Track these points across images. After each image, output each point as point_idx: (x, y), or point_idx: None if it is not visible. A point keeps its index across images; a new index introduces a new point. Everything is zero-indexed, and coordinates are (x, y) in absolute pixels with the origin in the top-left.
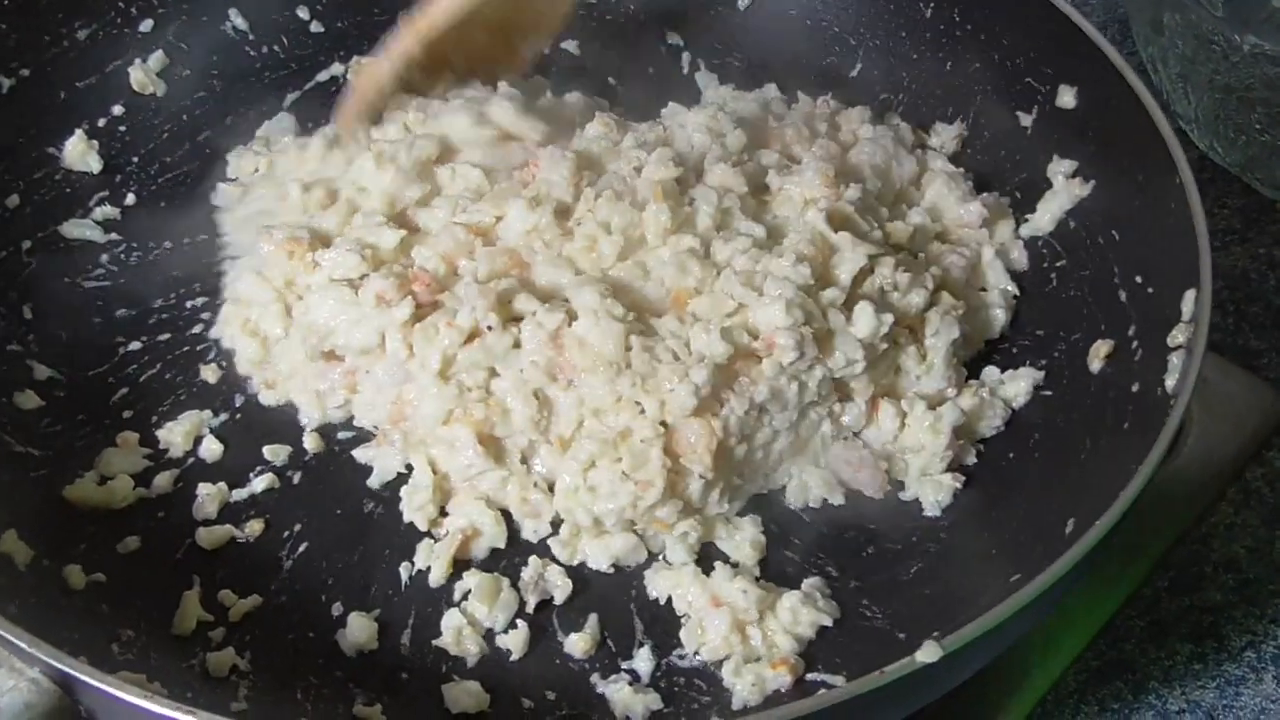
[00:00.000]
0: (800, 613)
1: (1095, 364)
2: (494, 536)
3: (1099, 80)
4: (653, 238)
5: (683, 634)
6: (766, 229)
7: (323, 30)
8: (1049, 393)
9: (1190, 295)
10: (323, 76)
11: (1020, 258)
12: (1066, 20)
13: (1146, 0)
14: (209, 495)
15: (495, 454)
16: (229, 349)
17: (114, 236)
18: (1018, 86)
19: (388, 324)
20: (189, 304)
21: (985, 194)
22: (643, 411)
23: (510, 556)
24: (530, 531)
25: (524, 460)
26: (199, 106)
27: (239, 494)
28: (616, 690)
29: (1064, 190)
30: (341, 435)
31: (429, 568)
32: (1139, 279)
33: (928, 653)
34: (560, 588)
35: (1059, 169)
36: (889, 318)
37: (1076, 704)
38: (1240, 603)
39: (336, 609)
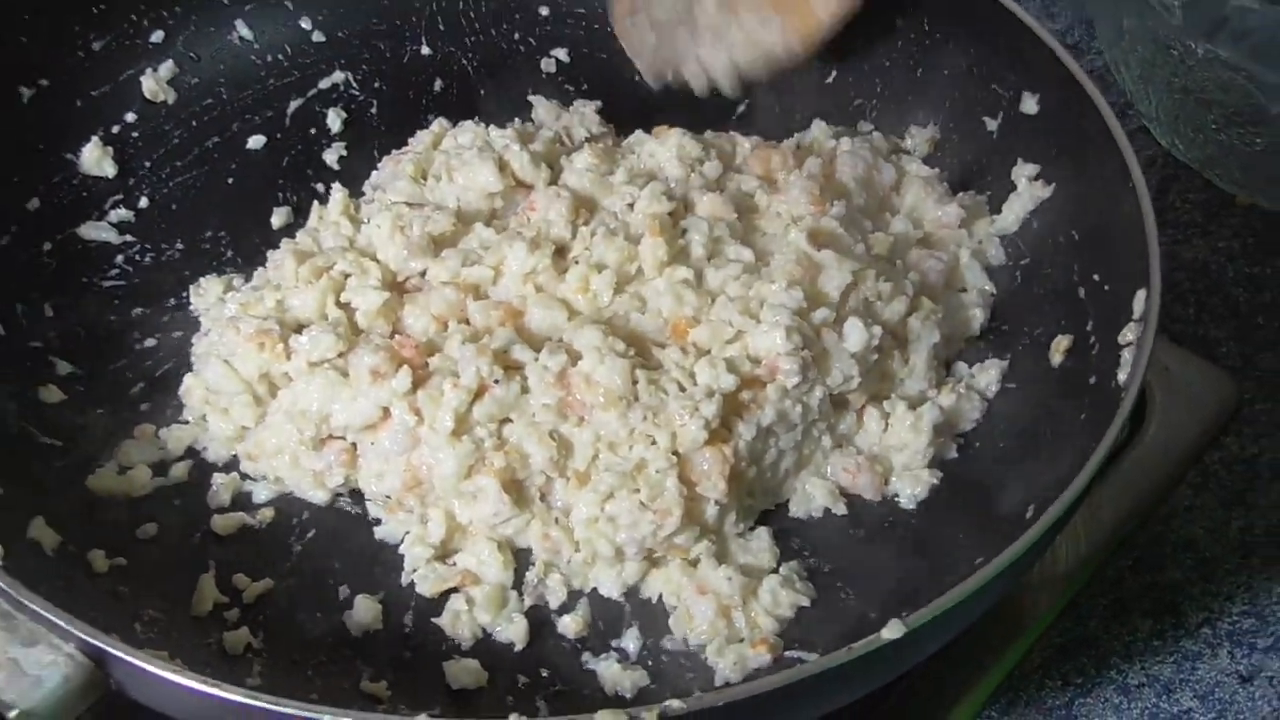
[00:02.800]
0: (780, 595)
1: (1056, 358)
2: (500, 580)
3: (1059, 88)
4: (649, 270)
5: (671, 621)
6: (755, 252)
7: (324, 39)
8: (1013, 385)
9: (1140, 295)
10: (324, 84)
11: (997, 254)
12: (1029, 31)
13: (1109, 6)
14: (223, 484)
15: (518, 498)
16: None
17: (128, 238)
18: (984, 93)
19: (388, 396)
20: None
21: (962, 194)
22: (654, 443)
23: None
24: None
25: (543, 498)
26: (207, 113)
27: (251, 483)
28: (606, 667)
29: (1027, 192)
30: None
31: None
32: (1096, 277)
33: (892, 630)
34: (557, 594)
35: (1023, 172)
36: (877, 330)
37: (1041, 679)
38: (1198, 580)
39: (343, 591)
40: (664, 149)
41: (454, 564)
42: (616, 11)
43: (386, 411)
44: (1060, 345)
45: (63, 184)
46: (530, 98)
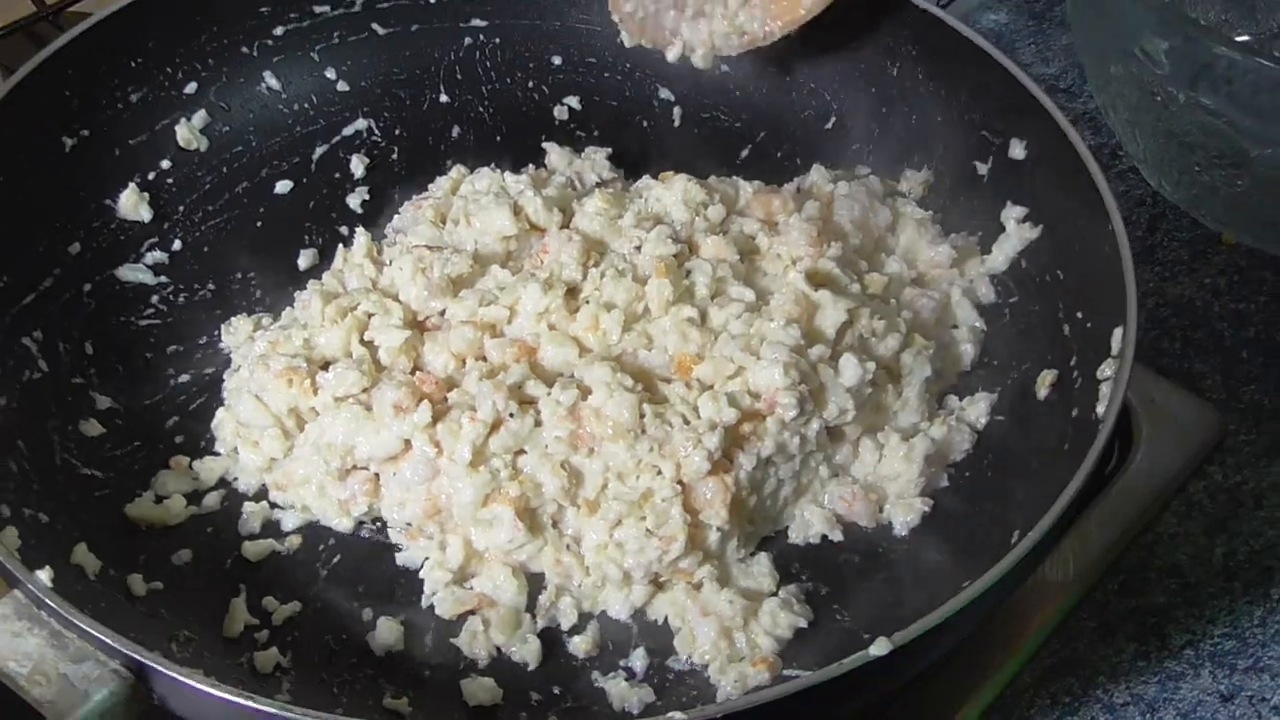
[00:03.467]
0: (779, 617)
1: (1042, 391)
2: (514, 603)
3: (1044, 135)
4: (655, 310)
5: (676, 642)
6: (755, 291)
7: (348, 89)
8: (1001, 417)
9: (1118, 332)
10: (348, 131)
11: (987, 292)
12: (1016, 81)
13: (1097, 54)
14: (253, 513)
15: (532, 526)
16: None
17: (163, 279)
18: (975, 139)
19: (409, 429)
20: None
21: (954, 235)
22: (660, 473)
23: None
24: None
25: (554, 525)
26: (237, 160)
27: (280, 512)
28: (615, 685)
29: (1015, 234)
30: None
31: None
32: (1079, 315)
33: (879, 647)
34: (568, 616)
35: (1011, 214)
36: (871, 365)
37: (1031, 698)
38: (1182, 605)
39: (367, 614)
40: (670, 194)
41: (471, 588)
42: None
43: (408, 444)
44: (1045, 380)
45: (102, 228)
46: (544, 144)
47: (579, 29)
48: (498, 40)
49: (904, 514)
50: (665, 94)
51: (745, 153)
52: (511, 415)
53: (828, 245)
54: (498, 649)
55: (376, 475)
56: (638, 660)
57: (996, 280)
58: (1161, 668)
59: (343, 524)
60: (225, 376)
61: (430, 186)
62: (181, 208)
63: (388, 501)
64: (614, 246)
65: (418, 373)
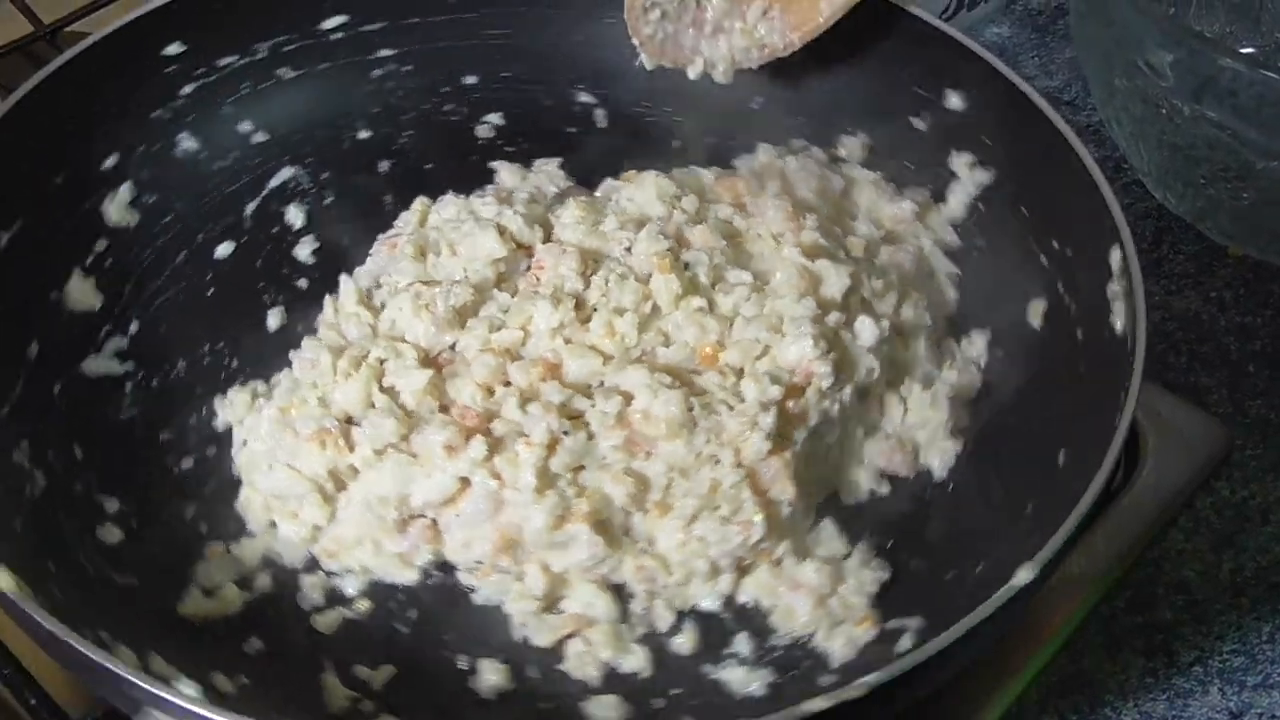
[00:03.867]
0: (863, 575)
1: (1035, 321)
2: (611, 617)
3: (979, 80)
4: (665, 306)
5: (773, 620)
6: (752, 274)
7: (267, 138)
8: (1000, 353)
9: (1116, 253)
10: (275, 182)
11: (954, 239)
12: (943, 35)
13: (1100, 67)
14: (311, 585)
15: (610, 538)
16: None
17: (130, 366)
18: (906, 96)
19: (467, 467)
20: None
21: (907, 190)
22: (718, 462)
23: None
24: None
25: (626, 533)
26: (170, 229)
27: (337, 578)
28: (731, 673)
29: (969, 179)
30: None
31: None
32: (1055, 243)
33: (1026, 572)
34: (664, 618)
35: (960, 160)
36: (885, 323)
37: (1038, 714)
38: (1189, 621)
39: (463, 661)
40: (642, 191)
41: (561, 611)
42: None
43: (465, 482)
44: (1037, 309)
45: (55, 324)
46: (492, 164)
47: (491, 45)
48: (409, 68)
49: (940, 457)
50: (585, 97)
51: (676, 143)
52: (566, 433)
53: (804, 218)
54: (607, 665)
55: (434, 521)
56: (743, 645)
57: (960, 226)
58: (1170, 685)
59: (407, 577)
60: (234, 455)
61: (396, 223)
62: (128, 288)
63: (451, 545)
64: (606, 252)
65: (454, 409)
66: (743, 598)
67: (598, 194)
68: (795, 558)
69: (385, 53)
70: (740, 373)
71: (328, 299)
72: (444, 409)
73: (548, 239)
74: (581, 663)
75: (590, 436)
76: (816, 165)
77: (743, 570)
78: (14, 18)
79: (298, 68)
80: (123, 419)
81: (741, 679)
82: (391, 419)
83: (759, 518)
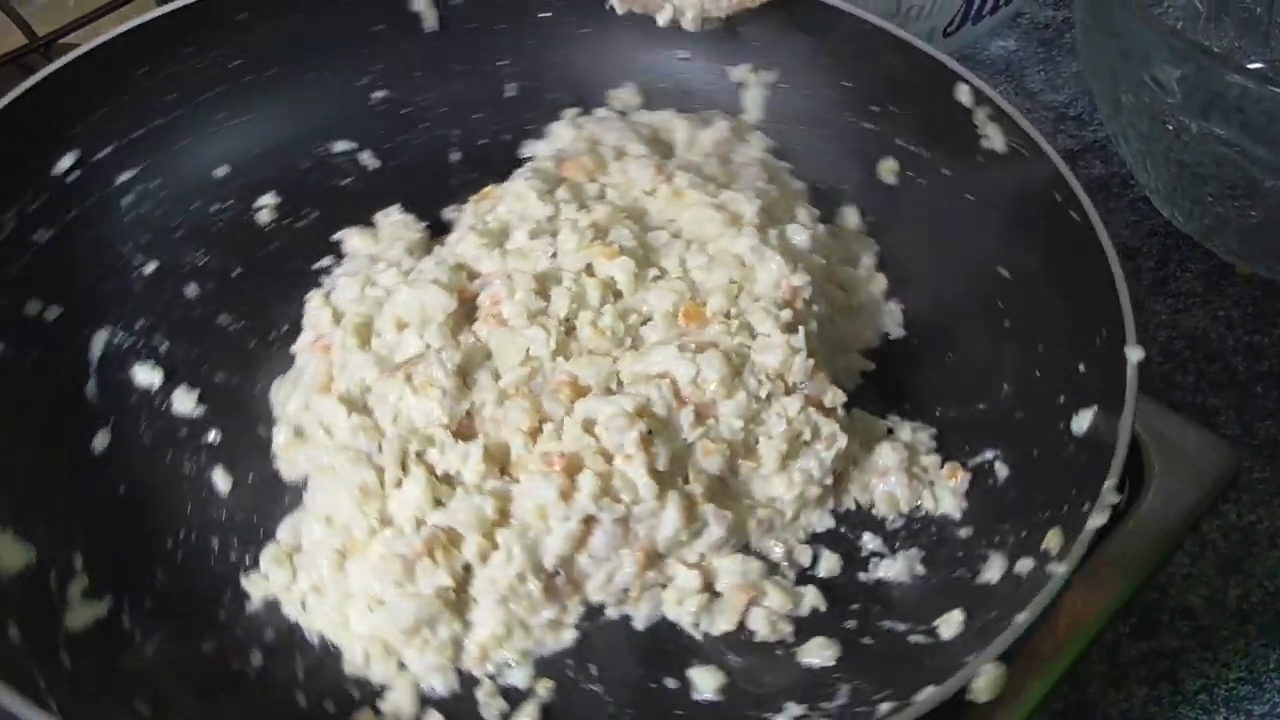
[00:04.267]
0: (918, 436)
1: (890, 179)
2: (766, 573)
3: None
4: (628, 288)
5: (880, 510)
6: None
7: (60, 312)
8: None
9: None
10: (95, 352)
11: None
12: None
13: (1107, 82)
14: (485, 697)
15: (732, 508)
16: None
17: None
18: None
19: (587, 505)
20: None
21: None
22: (770, 398)
23: None
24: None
25: (734, 497)
26: None
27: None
28: (886, 568)
29: (754, 83)
30: None
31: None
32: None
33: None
34: (804, 555)
35: (738, 71)
36: (806, 218)
37: None
38: (1195, 648)
39: (672, 682)
40: (521, 201)
41: (720, 594)
42: None
43: (588, 521)
44: (888, 168)
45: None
46: (336, 235)
47: (229, 129)
48: (157, 181)
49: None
50: (343, 146)
51: (456, 156)
52: (650, 432)
53: (668, 166)
54: (791, 616)
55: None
56: (874, 542)
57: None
58: (1175, 713)
59: (566, 638)
60: (305, 626)
61: (307, 326)
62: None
63: (594, 586)
64: (535, 268)
65: (546, 455)
66: (846, 505)
67: (470, 223)
68: (864, 450)
69: (126, 176)
70: (729, 314)
71: (296, 437)
72: (504, 470)
73: (472, 278)
74: (771, 627)
75: (665, 425)
76: (617, 120)
77: (836, 481)
78: (8, 29)
79: (51, 225)
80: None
81: (900, 568)
82: (481, 497)
83: (834, 428)
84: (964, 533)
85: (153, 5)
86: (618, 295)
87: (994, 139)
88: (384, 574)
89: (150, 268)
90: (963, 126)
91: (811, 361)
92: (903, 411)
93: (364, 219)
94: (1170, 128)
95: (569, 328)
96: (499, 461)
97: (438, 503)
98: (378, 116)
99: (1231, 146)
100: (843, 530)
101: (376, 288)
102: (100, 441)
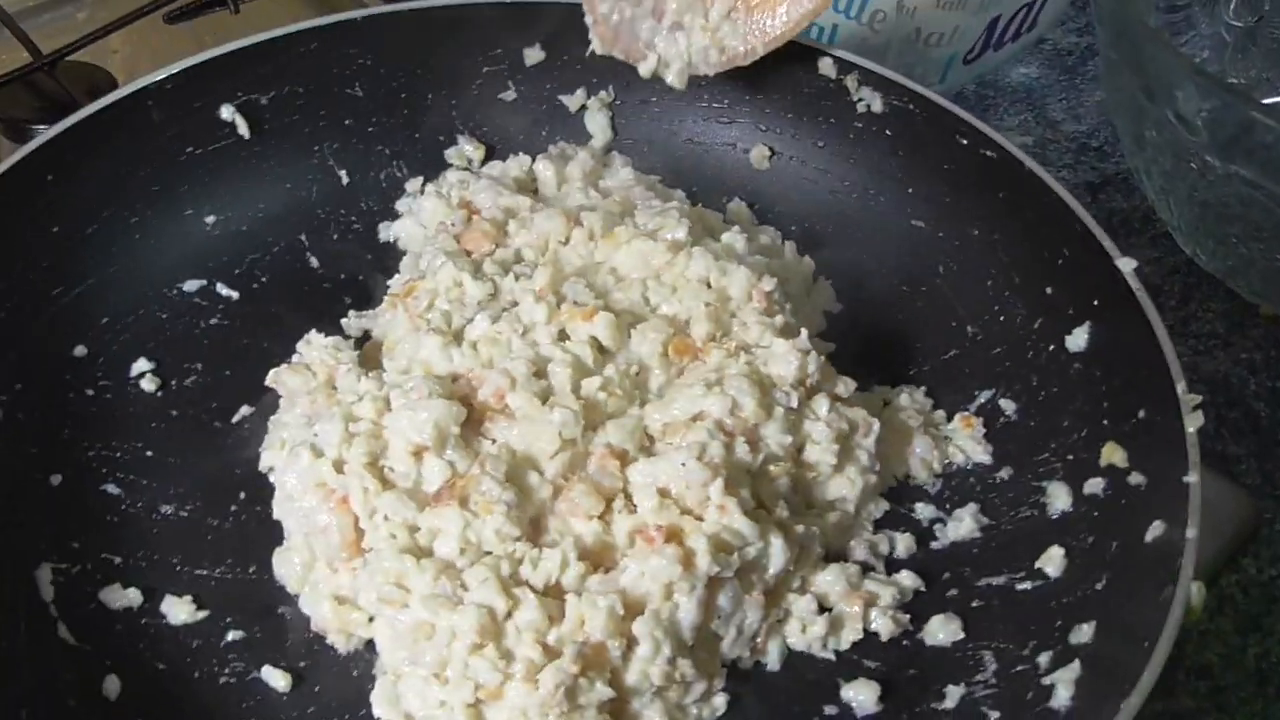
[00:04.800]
0: (915, 396)
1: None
2: (859, 576)
3: None
4: (612, 343)
5: (920, 479)
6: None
7: None
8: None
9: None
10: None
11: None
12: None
13: (1130, 117)
14: None
15: (822, 531)
16: None
17: None
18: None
19: (709, 562)
20: None
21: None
22: (796, 404)
23: None
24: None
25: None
26: None
27: None
28: (953, 528)
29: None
30: None
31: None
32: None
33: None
34: (884, 542)
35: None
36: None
37: None
38: (1212, 710)
39: (831, 709)
40: (457, 288)
41: (833, 607)
42: None
43: (711, 585)
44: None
45: None
46: (299, 345)
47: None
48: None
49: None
50: (193, 284)
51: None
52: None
53: (577, 215)
54: (900, 600)
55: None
56: (928, 511)
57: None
58: None
59: (716, 707)
60: None
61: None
62: None
63: (726, 645)
64: (518, 347)
65: (641, 533)
66: (888, 482)
67: (410, 324)
68: (883, 425)
69: None
70: (716, 337)
71: (341, 606)
72: (600, 567)
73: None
74: (893, 622)
75: (731, 465)
76: (476, 179)
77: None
78: (13, 47)
79: None
80: None
81: (965, 526)
82: (605, 598)
83: (864, 414)
84: (1005, 474)
85: None
86: (603, 351)
87: (871, 100)
88: (545, 707)
89: (55, 479)
90: (833, 95)
91: (823, 358)
92: (881, 380)
93: (251, 356)
94: (1194, 166)
95: (579, 399)
96: (591, 556)
97: (550, 619)
98: (216, 243)
99: (1257, 188)
100: (897, 507)
101: (361, 421)
102: (111, 687)
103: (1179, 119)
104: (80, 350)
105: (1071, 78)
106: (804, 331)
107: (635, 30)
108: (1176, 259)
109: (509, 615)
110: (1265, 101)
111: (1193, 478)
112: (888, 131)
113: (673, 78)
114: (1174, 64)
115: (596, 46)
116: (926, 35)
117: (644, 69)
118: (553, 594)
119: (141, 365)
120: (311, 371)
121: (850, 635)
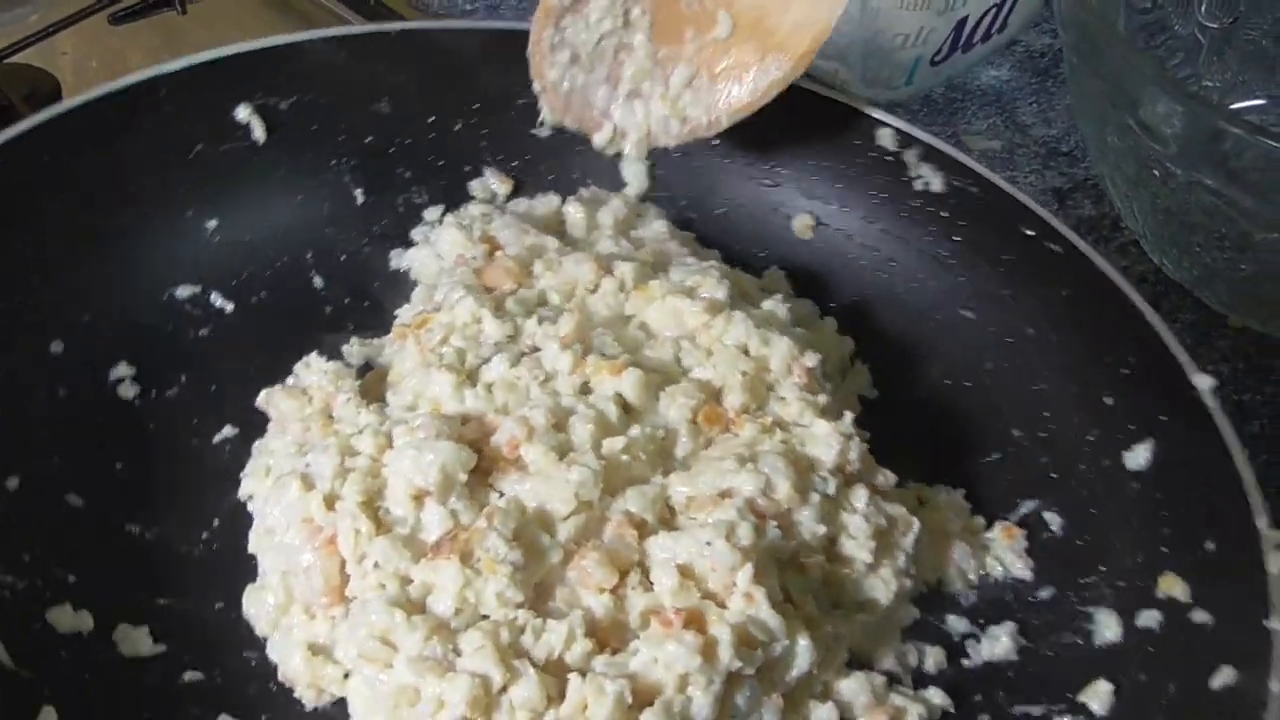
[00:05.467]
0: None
1: None
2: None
3: None
4: (637, 399)
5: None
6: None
7: None
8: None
9: None
10: None
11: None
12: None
13: (1093, 121)
14: None
15: (850, 632)
16: None
17: None
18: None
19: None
20: None
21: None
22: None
23: None
24: None
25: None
26: None
27: None
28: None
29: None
30: None
31: None
32: None
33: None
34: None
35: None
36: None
37: None
38: None
39: None
40: (476, 324)
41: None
42: (539, 17)
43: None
44: None
45: None
46: (297, 367)
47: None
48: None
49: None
50: (186, 290)
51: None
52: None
53: (609, 263)
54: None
55: None
56: (960, 625)
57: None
58: None
59: None
60: None
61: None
62: None
63: None
64: (536, 395)
65: (658, 614)
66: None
67: (420, 359)
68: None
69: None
70: (751, 409)
71: (315, 657)
72: (608, 646)
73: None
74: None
75: (760, 550)
76: (501, 215)
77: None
78: None
79: None
80: None
81: (1001, 646)
82: (611, 682)
83: (903, 512)
84: (1046, 593)
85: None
86: (628, 410)
87: (931, 179)
88: None
89: (12, 481)
90: (889, 169)
91: (865, 446)
92: (916, 477)
93: (240, 375)
94: (1157, 174)
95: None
96: (600, 633)
97: (549, 699)
98: (216, 250)
99: (1220, 196)
100: (928, 619)
101: (359, 456)
102: None
103: (1141, 125)
104: (57, 346)
105: (1043, 80)
106: (848, 414)
107: (589, 98)
108: (1144, 267)
109: (504, 689)
110: (1241, 105)
111: (1276, 624)
112: (945, 213)
113: (629, 149)
114: (1136, 68)
115: (546, 116)
116: (892, 37)
117: (598, 140)
118: (554, 670)
119: (121, 370)
120: (308, 397)
121: None
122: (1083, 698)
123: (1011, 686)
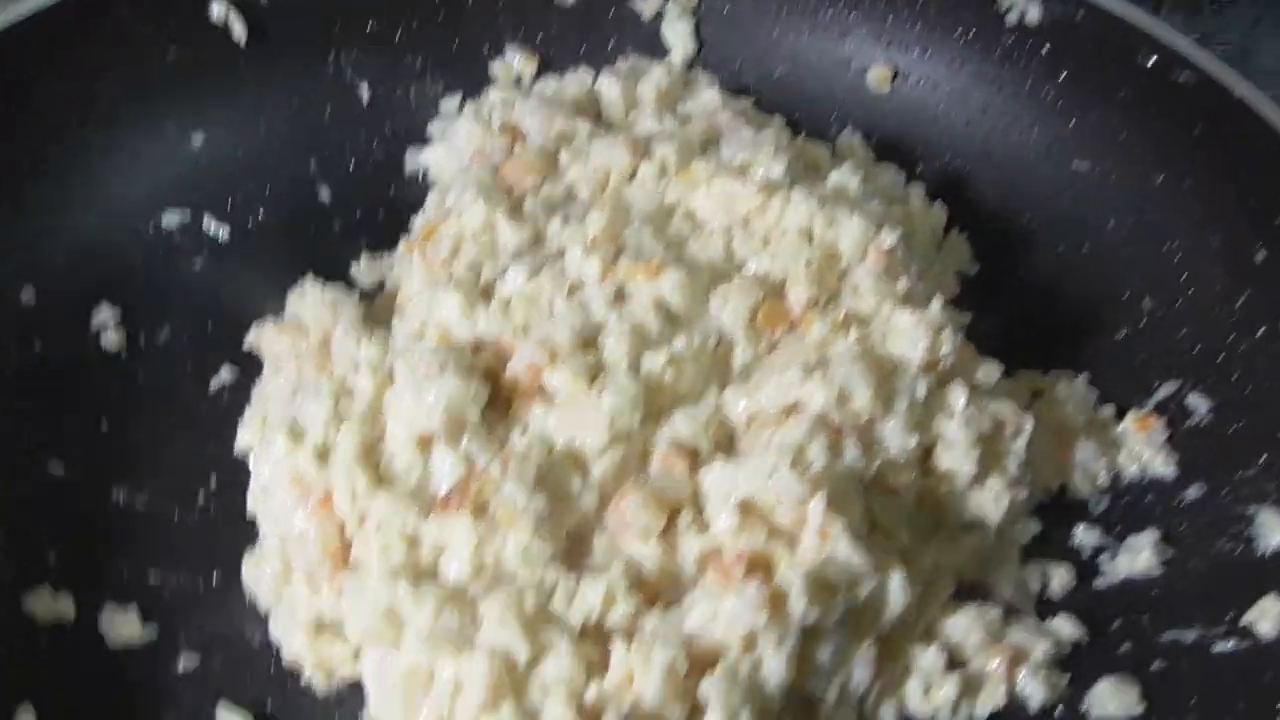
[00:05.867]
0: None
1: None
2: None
3: None
4: (684, 310)
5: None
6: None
7: None
8: None
9: None
10: None
11: None
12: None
13: None
14: None
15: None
16: None
17: None
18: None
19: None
20: None
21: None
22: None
23: None
24: None
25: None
26: None
27: None
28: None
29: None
30: None
31: None
32: None
33: None
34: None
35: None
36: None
37: None
38: None
39: None
40: (487, 232)
41: (965, 665)
42: None
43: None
44: None
45: None
46: (290, 297)
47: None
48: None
49: None
50: (174, 217)
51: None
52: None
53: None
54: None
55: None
56: (1090, 537)
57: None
58: None
59: None
60: None
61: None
62: None
63: (825, 711)
64: (560, 310)
65: (715, 561)
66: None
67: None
68: (1035, 424)
69: None
70: (820, 303)
71: (319, 635)
72: (658, 602)
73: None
74: (1049, 686)
75: (836, 474)
76: (525, 99)
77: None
78: None
79: None
80: None
81: (1143, 559)
82: (660, 648)
83: (1012, 408)
84: (1195, 493)
85: None
86: (671, 318)
87: (1026, 8)
88: None
89: None
90: (975, 2)
91: (960, 335)
92: (1031, 364)
93: (240, 310)
94: None
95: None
96: (647, 588)
97: (588, 671)
98: (204, 168)
99: None
100: (1052, 535)
101: (355, 397)
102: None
103: None
104: (28, 294)
105: None
106: (936, 300)
107: None
108: None
109: (533, 664)
110: None
111: None
112: (1046, 48)
113: (672, 3)
114: None
115: None
116: None
117: None
118: (593, 637)
119: (104, 315)
120: (303, 331)
121: (990, 701)
122: (1247, 618)
123: (1157, 608)
